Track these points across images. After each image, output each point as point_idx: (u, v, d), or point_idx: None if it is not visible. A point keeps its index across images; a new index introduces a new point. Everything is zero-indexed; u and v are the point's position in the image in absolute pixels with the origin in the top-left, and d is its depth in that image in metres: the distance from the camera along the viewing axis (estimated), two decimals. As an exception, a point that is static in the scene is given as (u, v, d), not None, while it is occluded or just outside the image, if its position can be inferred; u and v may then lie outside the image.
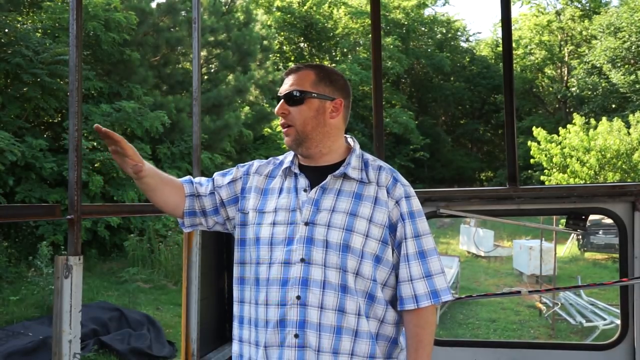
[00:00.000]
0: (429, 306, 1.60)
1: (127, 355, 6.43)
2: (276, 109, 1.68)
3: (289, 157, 1.76)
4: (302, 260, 1.58)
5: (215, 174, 1.82)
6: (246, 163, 1.83)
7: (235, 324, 1.72)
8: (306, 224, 1.60)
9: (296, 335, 1.56)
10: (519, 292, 3.59)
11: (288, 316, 1.57)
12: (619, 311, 3.13)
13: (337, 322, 1.57)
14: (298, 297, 1.57)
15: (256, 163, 1.80)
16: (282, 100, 1.66)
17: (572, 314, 9.19)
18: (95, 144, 12.10)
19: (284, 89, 1.68)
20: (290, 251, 1.59)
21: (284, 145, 1.72)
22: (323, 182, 1.64)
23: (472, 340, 7.31)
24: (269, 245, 1.62)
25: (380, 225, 1.62)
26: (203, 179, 1.82)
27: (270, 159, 1.83)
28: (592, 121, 17.55)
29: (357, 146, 1.73)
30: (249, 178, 1.76)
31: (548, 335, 8.91)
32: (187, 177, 1.83)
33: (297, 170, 1.69)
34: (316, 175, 1.67)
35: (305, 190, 1.65)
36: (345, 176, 1.66)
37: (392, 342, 1.66)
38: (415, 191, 3.03)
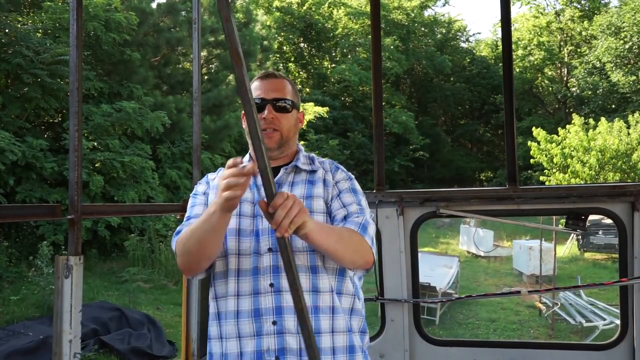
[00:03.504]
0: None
1: (127, 354, 6.43)
2: (265, 114, 1.71)
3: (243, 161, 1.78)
4: (270, 249, 1.63)
5: (190, 209, 1.78)
6: (200, 180, 1.88)
7: (212, 322, 1.72)
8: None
9: (274, 322, 1.59)
10: (518, 292, 3.58)
11: (263, 305, 1.60)
12: (618, 311, 3.14)
13: (312, 303, 1.62)
14: (271, 285, 1.60)
15: (209, 174, 1.87)
16: (269, 105, 1.72)
17: (571, 314, 9.19)
18: (95, 144, 12.11)
19: (271, 95, 1.74)
20: (258, 242, 1.64)
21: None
22: (277, 177, 1.73)
23: (471, 340, 7.31)
24: (236, 236, 1.66)
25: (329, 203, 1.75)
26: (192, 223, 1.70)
27: (219, 169, 1.86)
28: (591, 121, 17.58)
29: (302, 149, 1.88)
30: (211, 182, 1.82)
31: (548, 335, 8.91)
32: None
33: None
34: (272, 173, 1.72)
35: None
36: (296, 169, 1.78)
37: (364, 319, 1.75)
38: (415, 191, 3.05)
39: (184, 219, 1.76)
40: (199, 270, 1.68)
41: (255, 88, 1.77)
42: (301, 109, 1.88)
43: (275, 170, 1.76)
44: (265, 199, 1.30)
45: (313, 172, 1.79)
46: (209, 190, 1.80)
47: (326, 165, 1.83)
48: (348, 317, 1.68)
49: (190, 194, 1.84)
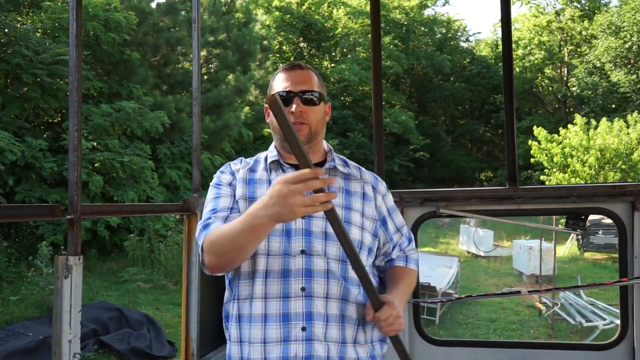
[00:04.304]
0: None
1: (127, 355, 6.42)
2: (294, 107, 1.63)
3: (269, 153, 1.73)
4: (303, 252, 1.56)
5: (215, 200, 1.67)
6: (222, 168, 1.77)
7: (233, 324, 1.62)
8: (303, 217, 1.53)
9: (303, 328, 1.53)
10: (518, 292, 3.58)
11: (292, 309, 1.53)
12: (618, 311, 3.13)
13: (340, 311, 1.57)
14: (303, 289, 1.54)
15: (231, 164, 1.78)
16: (296, 98, 1.64)
17: (571, 314, 9.19)
18: (95, 144, 12.10)
19: (298, 87, 1.66)
20: (289, 243, 1.56)
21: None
22: None
23: (471, 340, 7.31)
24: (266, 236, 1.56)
25: (371, 219, 1.70)
26: (220, 217, 1.63)
27: (240, 158, 1.81)
28: (593, 121, 17.59)
29: (332, 147, 1.82)
30: (236, 174, 1.72)
31: (548, 335, 8.91)
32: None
33: (285, 164, 1.69)
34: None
35: None
36: (332, 171, 1.71)
37: None
38: (415, 191, 3.05)
39: (209, 211, 1.63)
40: (228, 271, 1.62)
41: (281, 80, 1.69)
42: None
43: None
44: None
45: (347, 176, 1.73)
46: (234, 182, 1.69)
47: (366, 177, 1.77)
48: (371, 328, 1.64)
49: (212, 183, 1.72)
